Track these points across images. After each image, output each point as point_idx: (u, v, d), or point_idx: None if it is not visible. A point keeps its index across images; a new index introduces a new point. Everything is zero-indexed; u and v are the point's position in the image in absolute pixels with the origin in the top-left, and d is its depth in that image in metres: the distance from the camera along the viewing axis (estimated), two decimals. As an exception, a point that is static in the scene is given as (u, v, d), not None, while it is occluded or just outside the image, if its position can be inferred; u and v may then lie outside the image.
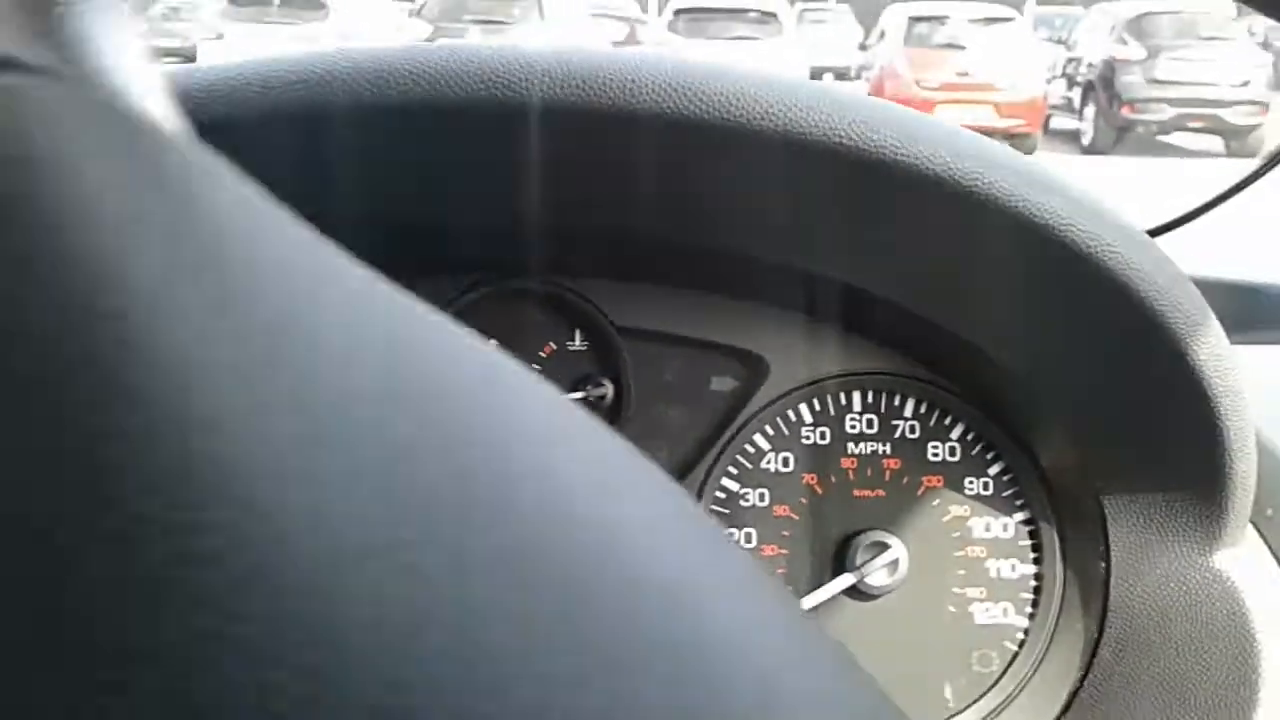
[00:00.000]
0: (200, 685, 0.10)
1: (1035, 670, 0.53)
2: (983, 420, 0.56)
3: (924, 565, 0.54)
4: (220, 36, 8.23)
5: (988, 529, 0.55)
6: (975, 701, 0.54)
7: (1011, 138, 8.27)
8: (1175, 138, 8.74)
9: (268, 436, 0.12)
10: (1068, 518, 0.54)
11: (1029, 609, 0.54)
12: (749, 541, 0.55)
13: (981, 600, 0.54)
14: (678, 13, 10.01)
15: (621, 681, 0.12)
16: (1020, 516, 0.55)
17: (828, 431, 0.56)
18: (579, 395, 0.55)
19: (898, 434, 0.56)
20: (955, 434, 0.56)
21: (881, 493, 0.55)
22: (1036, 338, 0.50)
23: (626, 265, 0.55)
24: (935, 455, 0.56)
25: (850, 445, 0.56)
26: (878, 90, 8.89)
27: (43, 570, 0.11)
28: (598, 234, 0.52)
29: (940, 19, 9.10)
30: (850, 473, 0.56)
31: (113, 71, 0.16)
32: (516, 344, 0.55)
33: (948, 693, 0.54)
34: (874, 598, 0.54)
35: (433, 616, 0.11)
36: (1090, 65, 8.91)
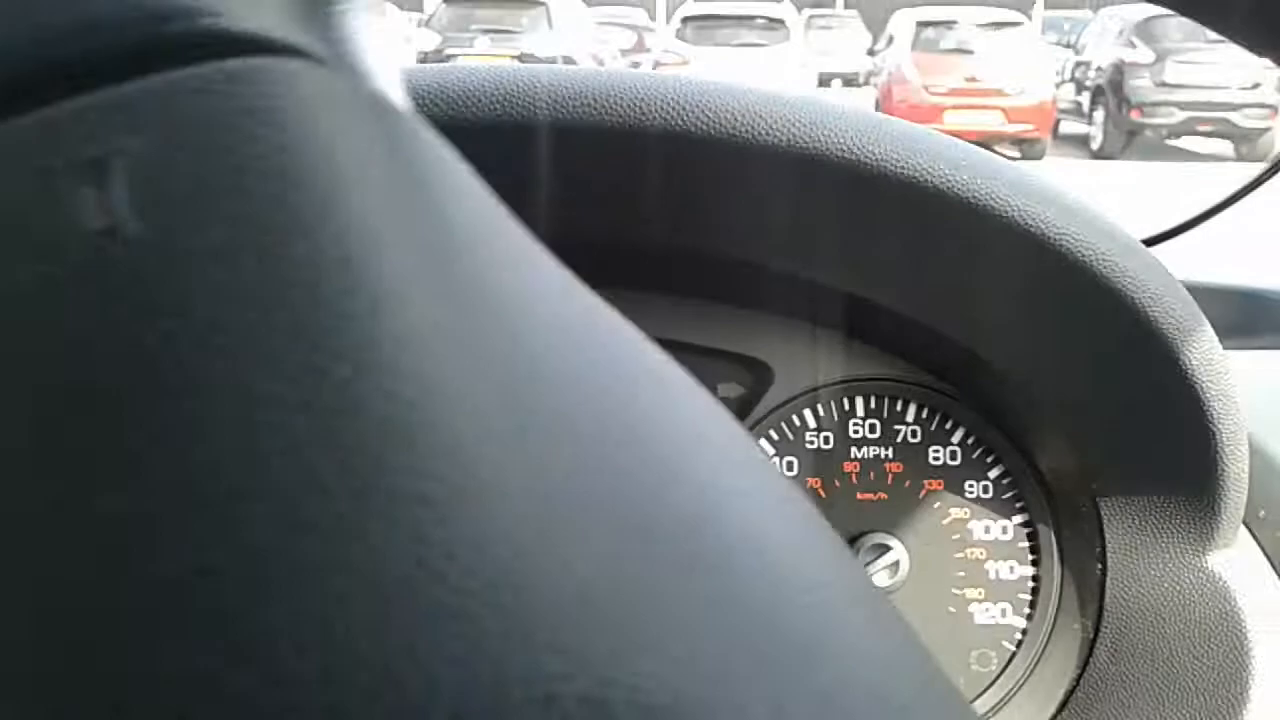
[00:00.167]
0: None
1: (1033, 670, 0.55)
2: (982, 425, 0.57)
3: (924, 566, 0.56)
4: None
5: (987, 531, 0.56)
6: (973, 700, 0.55)
7: (1020, 143, 8.28)
8: (1184, 142, 8.73)
9: (490, 417, 0.13)
10: (1065, 520, 0.55)
11: (1027, 610, 0.56)
12: None
13: (980, 601, 0.56)
14: (685, 20, 10.04)
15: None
16: (1019, 519, 0.56)
17: (831, 436, 0.57)
18: None
19: (899, 438, 0.58)
20: (956, 438, 0.57)
21: (883, 496, 0.57)
22: (1032, 344, 0.51)
23: (633, 274, 0.56)
24: (936, 459, 0.57)
25: (853, 449, 0.57)
26: (886, 96, 8.90)
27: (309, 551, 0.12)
28: (604, 245, 0.54)
29: (948, 24, 9.11)
30: (853, 476, 0.57)
31: (373, 65, 0.17)
32: None
33: None
34: None
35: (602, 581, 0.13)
36: (1099, 69, 8.91)
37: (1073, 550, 0.55)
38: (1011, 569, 0.56)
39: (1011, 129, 8.11)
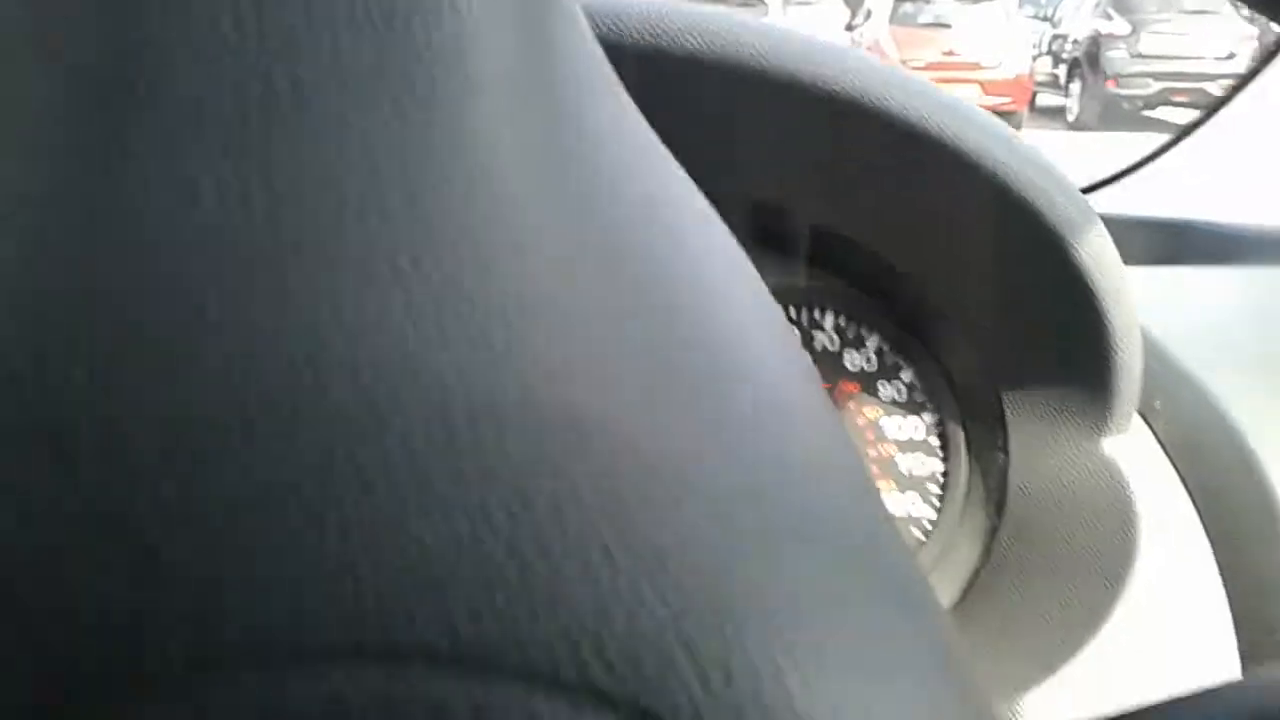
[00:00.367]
0: None
1: (941, 557, 0.58)
2: (896, 331, 0.59)
3: None
4: None
5: (899, 429, 0.59)
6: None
7: (998, 116, 8.29)
8: (1161, 112, 8.78)
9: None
10: (972, 417, 0.58)
11: (936, 502, 0.58)
12: None
13: (892, 493, 0.58)
14: (664, -4, 9.99)
15: None
16: (929, 418, 0.59)
17: None
18: None
19: (819, 347, 0.60)
20: (871, 345, 0.60)
21: None
22: (936, 248, 0.54)
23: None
24: (853, 365, 0.60)
25: None
26: (864, 70, 8.87)
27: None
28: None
29: (926, -2, 9.13)
30: None
31: None
32: None
33: None
34: None
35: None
36: (1075, 42, 8.94)
37: (979, 445, 0.58)
38: (922, 464, 0.59)
39: (989, 102, 8.14)
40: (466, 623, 0.15)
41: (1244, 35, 8.18)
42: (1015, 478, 0.55)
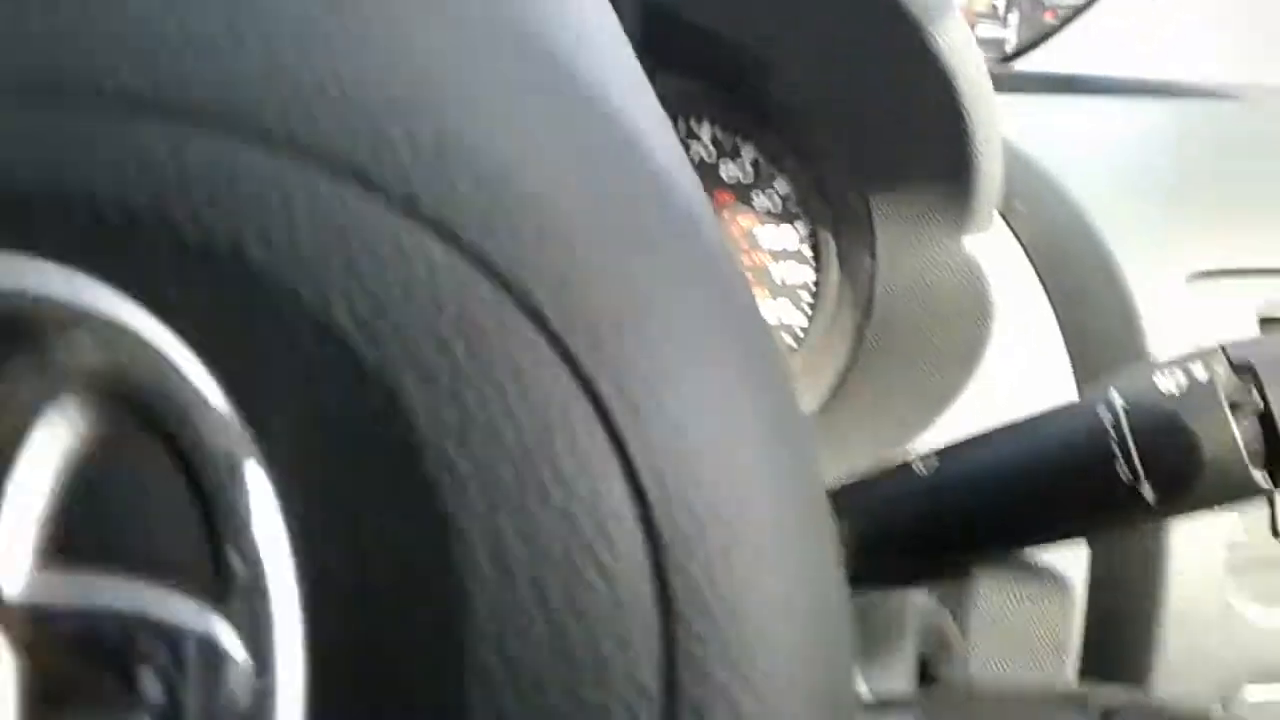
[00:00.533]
0: None
1: (811, 360, 0.59)
2: (772, 142, 0.60)
3: None
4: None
5: (773, 239, 0.59)
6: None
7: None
8: (1096, 45, 8.86)
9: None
10: (843, 225, 0.59)
11: (808, 310, 0.59)
12: None
13: (765, 302, 0.59)
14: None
15: None
16: (803, 228, 0.60)
17: None
18: None
19: (695, 158, 0.60)
20: (747, 155, 0.60)
21: None
22: (795, 35, 0.54)
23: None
24: (729, 176, 0.60)
25: None
26: None
27: None
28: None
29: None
30: None
31: None
32: None
33: None
34: None
35: None
36: (1015, -28, 8.96)
37: (848, 252, 0.58)
38: (794, 273, 0.59)
39: (929, 31, 8.15)
40: (169, 71, 0.15)
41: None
42: (881, 281, 0.56)
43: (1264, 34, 0.97)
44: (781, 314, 0.59)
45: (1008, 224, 0.56)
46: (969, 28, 0.52)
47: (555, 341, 0.15)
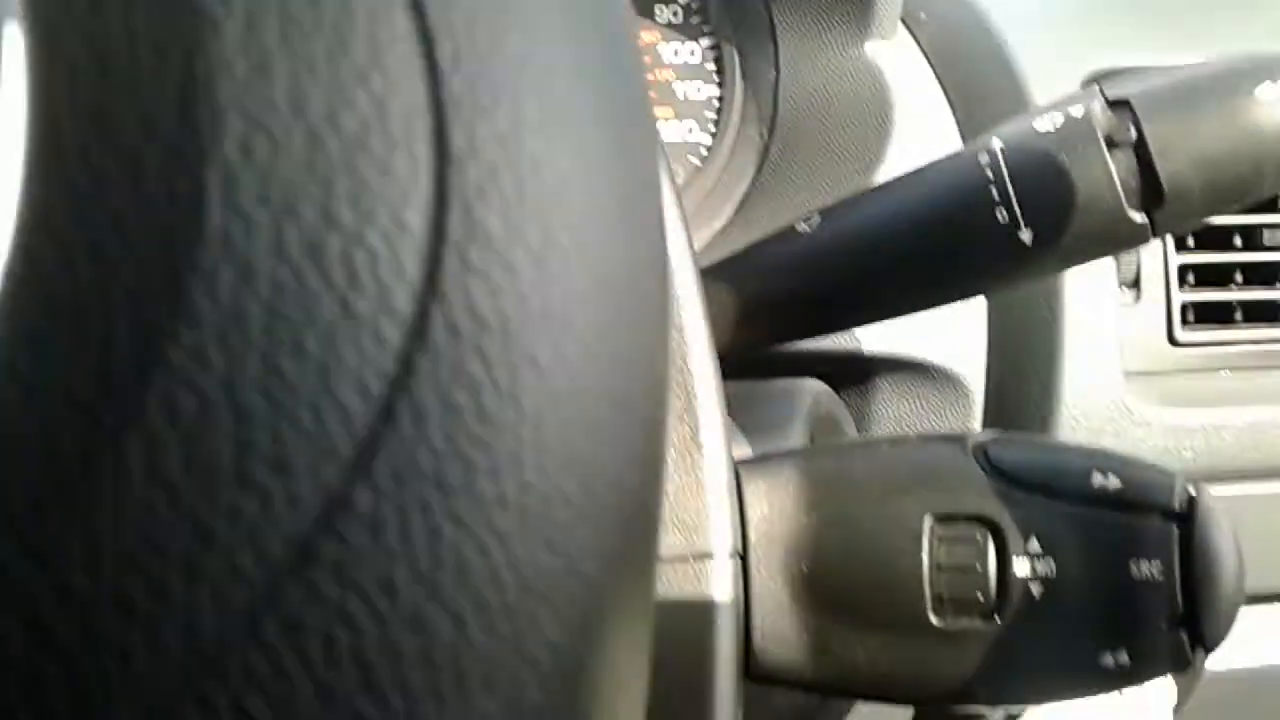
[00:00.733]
0: None
1: (716, 180, 0.58)
2: None
3: None
4: None
5: (675, 55, 0.58)
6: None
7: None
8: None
9: None
10: (746, 38, 0.57)
11: (712, 128, 0.58)
12: None
13: (670, 122, 0.58)
14: None
15: None
16: (706, 42, 0.58)
17: None
18: None
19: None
20: None
21: None
22: None
23: None
24: (631, -8, 0.58)
25: None
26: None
27: None
28: None
29: None
30: None
31: None
32: None
33: None
34: None
35: None
36: None
37: (752, 67, 0.57)
38: (699, 89, 0.58)
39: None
40: None
41: None
42: (785, 93, 0.55)
43: None
44: (686, 134, 0.58)
45: (910, 32, 0.56)
46: None
47: None
